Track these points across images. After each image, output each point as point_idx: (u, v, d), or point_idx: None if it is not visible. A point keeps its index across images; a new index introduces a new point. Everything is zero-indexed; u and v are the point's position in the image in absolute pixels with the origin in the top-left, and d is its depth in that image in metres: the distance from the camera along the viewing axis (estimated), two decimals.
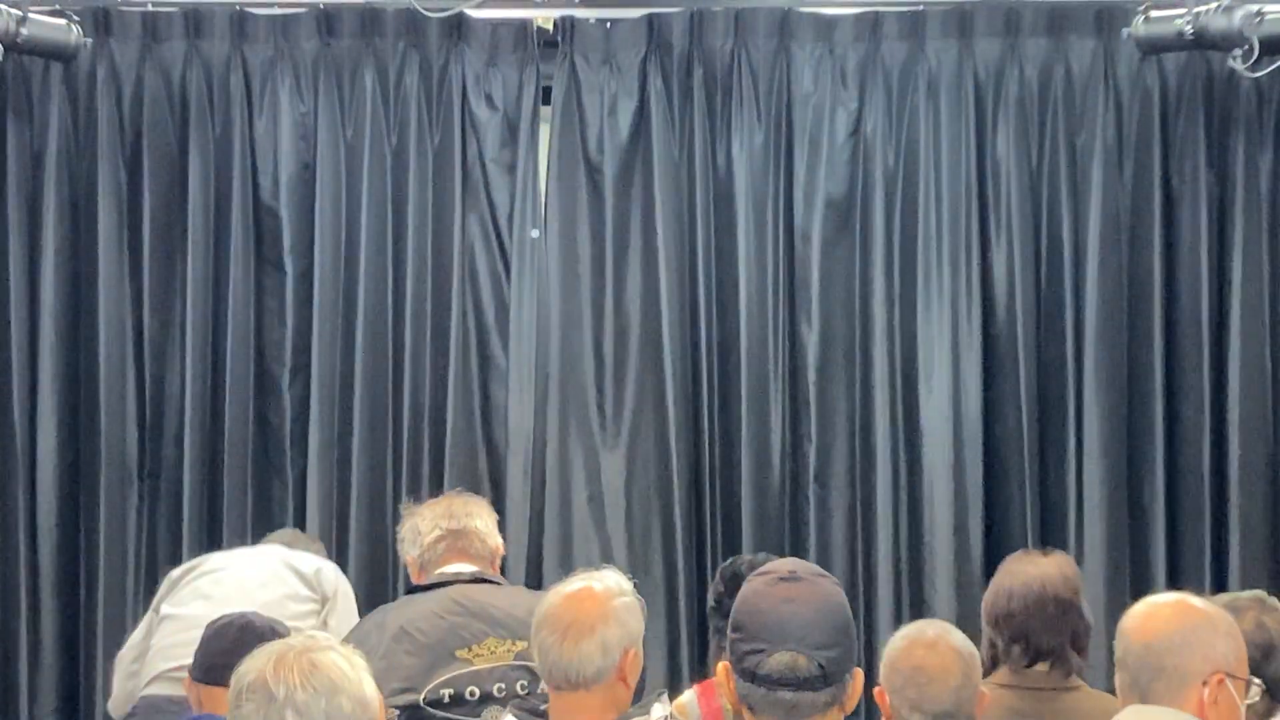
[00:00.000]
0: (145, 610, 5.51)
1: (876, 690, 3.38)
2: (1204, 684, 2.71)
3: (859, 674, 2.53)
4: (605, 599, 3.25)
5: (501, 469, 5.78)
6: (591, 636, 3.19)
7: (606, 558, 5.65)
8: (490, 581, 4.24)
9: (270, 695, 2.43)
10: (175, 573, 4.73)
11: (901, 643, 3.43)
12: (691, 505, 5.74)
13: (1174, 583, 5.70)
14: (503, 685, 3.79)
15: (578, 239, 5.80)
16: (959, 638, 3.44)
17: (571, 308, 5.77)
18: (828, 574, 2.60)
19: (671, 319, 5.75)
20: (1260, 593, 3.90)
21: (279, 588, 4.57)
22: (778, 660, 2.46)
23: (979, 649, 3.89)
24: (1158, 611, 2.82)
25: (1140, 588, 5.70)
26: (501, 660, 3.94)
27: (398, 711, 3.86)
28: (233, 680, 2.50)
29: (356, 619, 4.57)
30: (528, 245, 5.74)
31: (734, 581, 3.87)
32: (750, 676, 2.47)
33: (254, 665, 2.47)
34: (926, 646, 3.38)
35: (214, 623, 3.90)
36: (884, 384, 5.75)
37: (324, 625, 4.56)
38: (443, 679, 3.93)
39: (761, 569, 2.61)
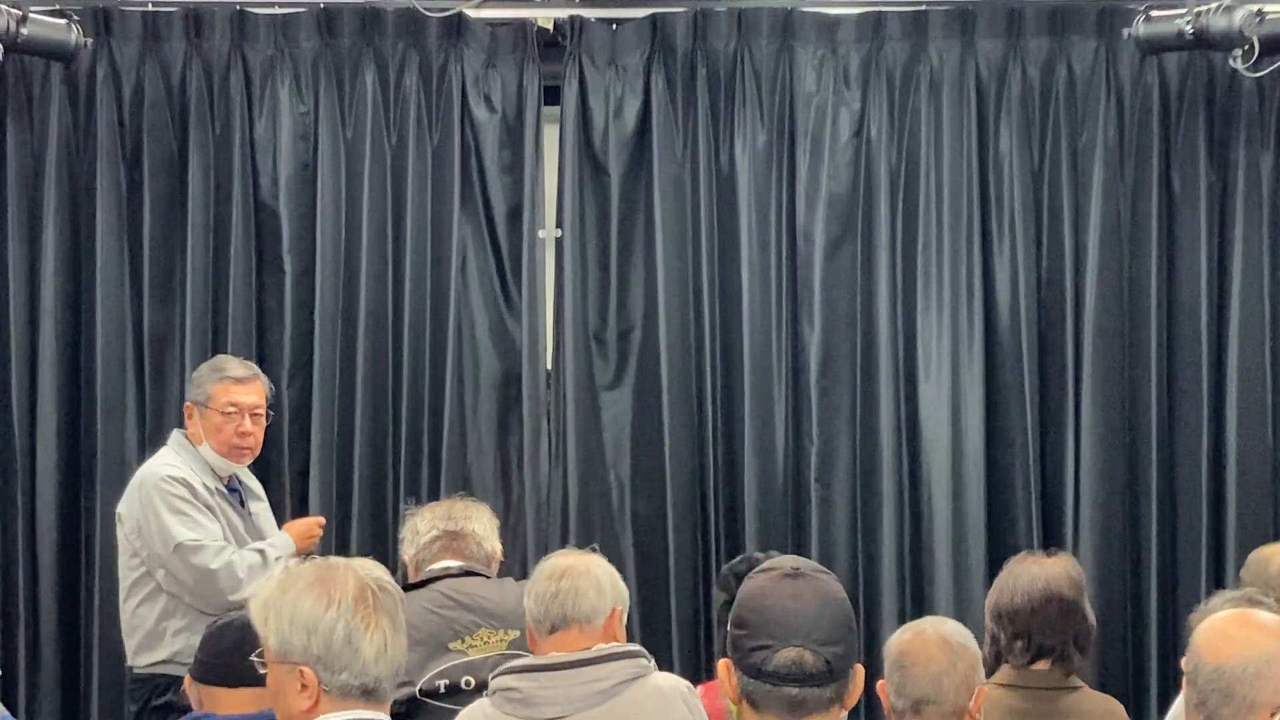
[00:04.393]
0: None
1: (879, 684, 3.40)
2: (1272, 715, 2.70)
3: (860, 670, 2.53)
4: (594, 557, 3.58)
5: (504, 469, 5.78)
6: (587, 576, 3.47)
7: (612, 555, 5.64)
8: (480, 575, 4.26)
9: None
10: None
11: (896, 634, 3.48)
12: (695, 504, 5.74)
13: (1171, 581, 5.72)
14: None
15: (583, 239, 5.80)
16: (952, 628, 3.45)
17: (576, 306, 5.77)
18: (828, 570, 2.59)
19: (674, 318, 5.75)
20: (1251, 590, 3.91)
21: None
22: (784, 656, 2.45)
23: (982, 646, 3.90)
24: (1235, 635, 2.77)
25: (1137, 586, 5.73)
26: (494, 650, 3.99)
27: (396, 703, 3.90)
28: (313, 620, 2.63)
29: (149, 517, 4.76)
30: (536, 244, 5.74)
31: (741, 581, 3.87)
32: (755, 672, 2.47)
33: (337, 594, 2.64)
34: (914, 633, 3.43)
35: (214, 622, 3.89)
36: (886, 383, 5.76)
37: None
38: (437, 670, 3.99)
39: (763, 566, 2.62)
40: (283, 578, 2.72)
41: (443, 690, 3.95)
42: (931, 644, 3.37)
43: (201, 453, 4.93)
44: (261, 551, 4.85)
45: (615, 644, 3.40)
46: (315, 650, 2.64)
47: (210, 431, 4.91)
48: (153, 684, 4.82)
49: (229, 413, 4.90)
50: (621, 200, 5.82)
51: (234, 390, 4.93)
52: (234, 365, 5.02)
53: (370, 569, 2.72)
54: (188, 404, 4.97)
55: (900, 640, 3.41)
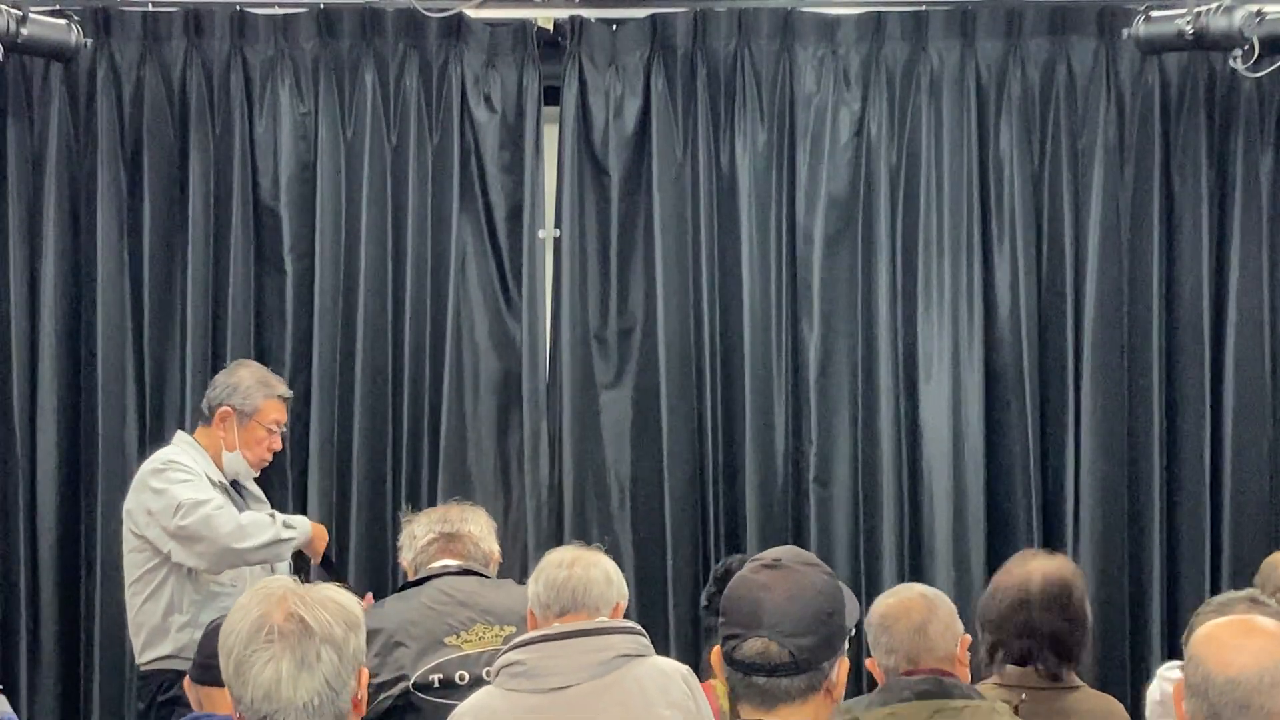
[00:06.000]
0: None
1: (868, 660, 3.54)
2: None
3: (844, 663, 2.55)
4: (599, 553, 3.71)
5: (504, 469, 5.78)
6: (597, 566, 3.61)
7: (611, 555, 5.62)
8: (478, 574, 4.27)
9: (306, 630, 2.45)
10: None
11: (872, 608, 3.65)
12: (694, 504, 5.74)
13: (1171, 581, 5.72)
14: (491, 669, 3.83)
15: (583, 239, 5.80)
16: (923, 586, 3.71)
17: (575, 306, 5.77)
18: (819, 563, 2.61)
19: (674, 318, 5.76)
20: (1253, 590, 3.90)
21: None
22: (750, 646, 2.50)
23: (979, 649, 3.91)
24: (1243, 644, 2.71)
25: (1138, 586, 5.73)
26: (489, 645, 4.01)
27: (391, 699, 3.95)
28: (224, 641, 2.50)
29: (153, 497, 4.70)
30: (536, 244, 5.75)
31: (725, 580, 3.90)
32: (730, 661, 2.52)
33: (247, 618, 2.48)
34: (889, 598, 3.65)
35: (211, 623, 3.89)
36: (886, 383, 5.76)
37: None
38: (432, 664, 3.99)
39: (753, 557, 2.65)
40: (250, 593, 2.61)
41: (437, 684, 3.97)
42: (908, 600, 3.58)
43: (227, 459, 4.93)
44: (272, 514, 4.85)
45: (616, 619, 3.51)
46: (223, 674, 2.56)
47: (249, 442, 4.93)
48: (159, 680, 4.81)
49: (272, 430, 4.97)
50: (621, 200, 5.83)
51: (281, 409, 5.00)
52: (278, 382, 5.05)
53: (308, 605, 2.50)
54: (226, 407, 4.90)
55: (878, 608, 3.60)
